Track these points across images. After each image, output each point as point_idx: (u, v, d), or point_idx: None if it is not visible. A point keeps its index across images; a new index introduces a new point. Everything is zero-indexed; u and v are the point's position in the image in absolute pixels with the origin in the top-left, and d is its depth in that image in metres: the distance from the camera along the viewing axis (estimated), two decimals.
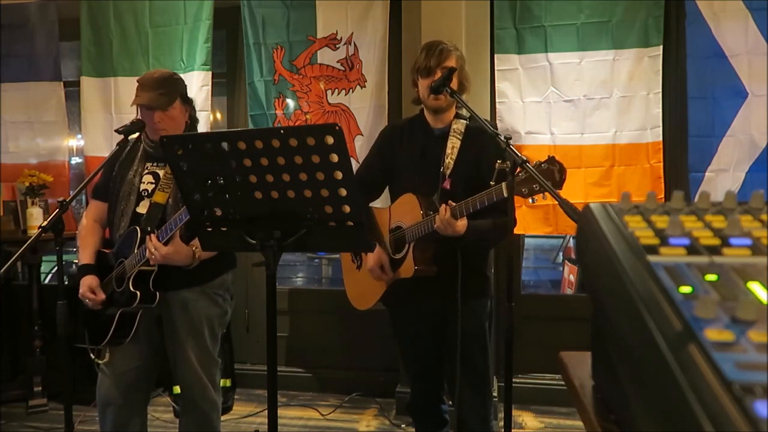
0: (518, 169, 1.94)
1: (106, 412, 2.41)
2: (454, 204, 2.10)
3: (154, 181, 2.35)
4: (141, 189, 2.35)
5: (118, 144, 2.34)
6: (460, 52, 2.37)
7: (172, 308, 2.35)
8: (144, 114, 2.33)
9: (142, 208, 2.33)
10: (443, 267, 2.23)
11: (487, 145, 2.18)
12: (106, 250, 2.41)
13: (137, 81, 2.36)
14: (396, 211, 2.36)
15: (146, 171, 2.37)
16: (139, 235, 2.27)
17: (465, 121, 2.31)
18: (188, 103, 2.42)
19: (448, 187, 2.23)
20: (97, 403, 2.42)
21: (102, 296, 2.30)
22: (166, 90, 2.30)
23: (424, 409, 2.49)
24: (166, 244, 2.18)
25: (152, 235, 2.19)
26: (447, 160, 2.25)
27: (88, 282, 2.30)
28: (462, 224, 2.11)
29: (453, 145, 2.27)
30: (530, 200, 1.99)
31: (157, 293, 2.27)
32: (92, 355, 2.39)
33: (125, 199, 2.34)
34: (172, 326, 2.37)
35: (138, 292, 2.24)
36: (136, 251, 2.27)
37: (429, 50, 2.30)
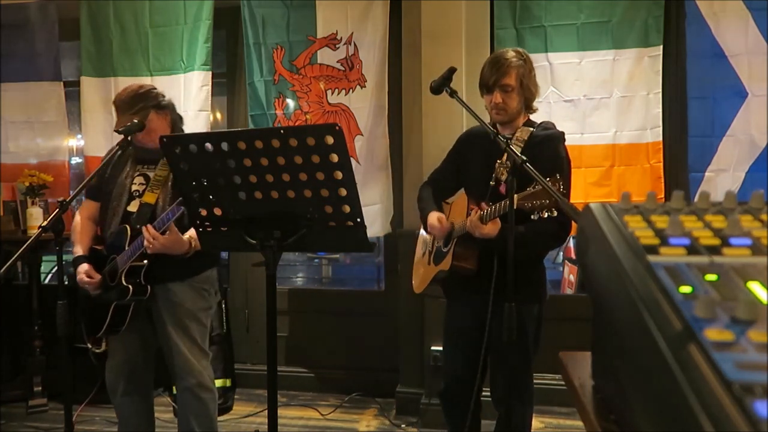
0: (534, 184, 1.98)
1: (115, 400, 2.58)
2: (486, 207, 2.17)
3: (144, 182, 2.48)
4: (132, 190, 2.48)
5: (118, 144, 2.35)
6: (524, 60, 2.34)
7: (161, 301, 2.47)
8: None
9: (133, 207, 2.46)
10: (485, 268, 2.29)
11: (543, 152, 2.21)
12: (98, 247, 2.53)
13: (113, 103, 2.48)
14: (452, 208, 2.50)
15: (137, 173, 2.50)
16: (129, 233, 2.40)
17: (531, 129, 2.34)
18: (165, 108, 2.51)
19: (504, 192, 2.26)
20: (108, 388, 2.60)
21: (98, 276, 2.43)
22: (137, 108, 2.41)
23: (453, 399, 2.53)
24: (163, 234, 2.27)
25: (148, 225, 2.28)
26: (498, 167, 2.31)
27: (83, 269, 2.43)
28: (491, 228, 2.16)
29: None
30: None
31: (149, 286, 2.41)
32: (89, 344, 2.54)
33: (117, 199, 2.47)
34: (161, 319, 2.48)
35: (130, 286, 2.37)
36: (126, 248, 2.38)
37: (491, 65, 2.33)
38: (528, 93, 2.35)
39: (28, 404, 3.76)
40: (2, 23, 4.06)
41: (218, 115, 4.51)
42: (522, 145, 2.28)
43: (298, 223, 1.75)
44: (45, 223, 2.11)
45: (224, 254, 4.27)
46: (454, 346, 2.52)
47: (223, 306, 3.91)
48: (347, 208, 1.69)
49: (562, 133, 2.39)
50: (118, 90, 3.95)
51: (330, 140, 1.60)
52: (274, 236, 1.76)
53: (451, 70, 2.25)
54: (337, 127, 1.59)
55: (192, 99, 3.79)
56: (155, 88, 2.54)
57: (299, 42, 3.74)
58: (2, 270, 1.99)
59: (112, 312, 2.42)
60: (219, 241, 1.99)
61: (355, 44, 3.66)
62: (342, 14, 3.67)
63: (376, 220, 3.61)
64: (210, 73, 3.80)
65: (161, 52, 3.88)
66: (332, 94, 3.72)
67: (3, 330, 3.98)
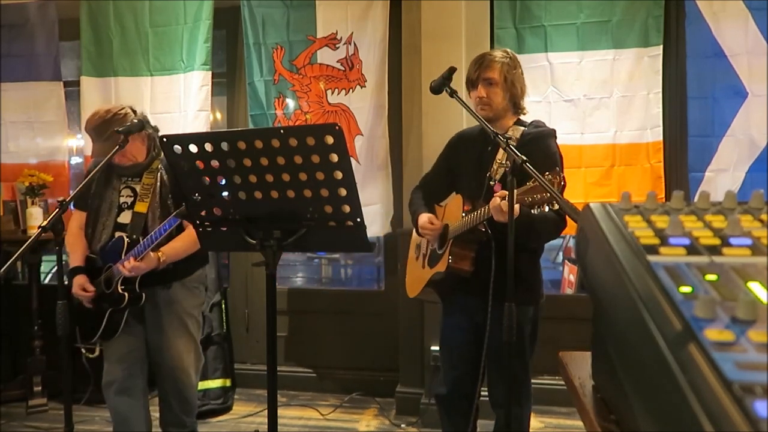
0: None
1: (109, 400, 2.63)
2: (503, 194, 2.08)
3: (132, 194, 2.56)
4: (121, 202, 2.57)
5: (118, 144, 2.35)
6: (510, 59, 2.37)
7: (158, 301, 2.57)
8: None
9: (123, 218, 2.55)
10: (482, 268, 2.27)
11: (536, 149, 2.19)
12: (94, 255, 2.58)
13: (84, 130, 2.49)
14: (446, 210, 2.48)
15: (123, 185, 2.57)
16: (125, 242, 2.49)
17: (523, 128, 2.33)
18: (139, 129, 2.44)
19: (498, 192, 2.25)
20: (103, 387, 2.64)
21: (92, 289, 2.51)
22: (110, 133, 2.40)
23: (451, 401, 2.51)
24: (142, 259, 2.40)
25: (125, 262, 2.41)
26: (495, 166, 2.29)
27: (78, 281, 2.52)
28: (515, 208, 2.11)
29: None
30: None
31: (143, 294, 2.52)
32: (83, 350, 2.68)
33: (106, 214, 2.55)
34: (158, 318, 2.58)
35: (126, 294, 2.48)
36: (123, 257, 2.46)
37: (475, 61, 2.36)
38: (513, 90, 2.34)
39: (28, 404, 3.76)
40: (2, 23, 4.06)
41: (218, 115, 4.51)
42: (515, 144, 2.24)
43: (298, 223, 1.75)
44: (45, 223, 2.11)
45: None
46: (452, 350, 2.50)
47: (223, 306, 3.91)
48: (347, 208, 1.69)
49: (554, 130, 2.39)
50: (117, 90, 4.00)
51: (330, 140, 1.60)
52: (274, 236, 1.76)
53: (451, 70, 2.25)
54: (336, 127, 1.59)
55: (192, 99, 3.79)
56: (122, 109, 2.49)
57: (299, 42, 3.74)
58: (2, 270, 1.99)
59: (107, 318, 2.52)
60: (219, 241, 1.99)
61: (355, 44, 3.66)
62: (342, 14, 3.67)
63: (375, 220, 3.61)
64: (210, 72, 3.80)
65: (161, 52, 3.88)
66: (332, 93, 3.72)
67: (3, 330, 3.98)
